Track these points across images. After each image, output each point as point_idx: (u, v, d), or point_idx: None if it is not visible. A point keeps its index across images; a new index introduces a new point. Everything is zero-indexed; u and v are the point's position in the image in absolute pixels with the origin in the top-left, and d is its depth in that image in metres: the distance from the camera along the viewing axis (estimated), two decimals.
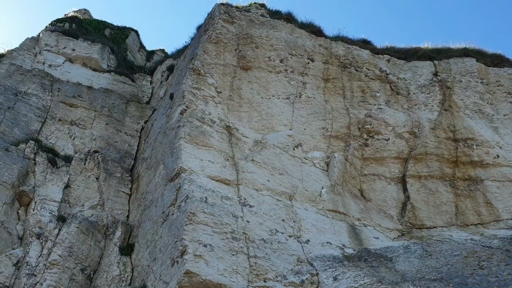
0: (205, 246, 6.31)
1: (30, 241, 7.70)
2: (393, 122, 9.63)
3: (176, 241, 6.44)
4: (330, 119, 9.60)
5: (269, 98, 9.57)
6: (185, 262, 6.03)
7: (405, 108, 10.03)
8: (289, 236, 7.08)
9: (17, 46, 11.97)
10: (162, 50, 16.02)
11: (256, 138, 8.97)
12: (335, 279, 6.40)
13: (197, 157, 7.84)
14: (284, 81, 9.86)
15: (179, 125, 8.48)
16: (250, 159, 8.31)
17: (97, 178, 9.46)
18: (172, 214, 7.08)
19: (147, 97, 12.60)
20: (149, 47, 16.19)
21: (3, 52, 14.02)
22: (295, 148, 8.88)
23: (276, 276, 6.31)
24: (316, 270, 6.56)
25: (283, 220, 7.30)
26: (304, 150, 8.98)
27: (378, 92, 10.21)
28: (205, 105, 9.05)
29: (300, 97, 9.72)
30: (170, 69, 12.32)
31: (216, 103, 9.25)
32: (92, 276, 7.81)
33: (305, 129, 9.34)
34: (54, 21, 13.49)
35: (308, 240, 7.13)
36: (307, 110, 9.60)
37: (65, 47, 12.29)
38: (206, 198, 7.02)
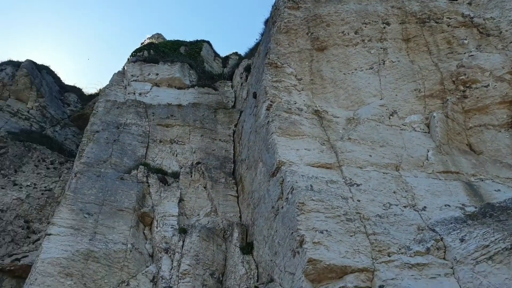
0: (321, 232, 6.34)
1: (160, 257, 8.32)
2: (489, 66, 8.94)
3: (292, 233, 6.55)
4: (421, 79, 9.15)
5: (352, 72, 9.37)
6: (306, 251, 6.11)
7: (500, 48, 9.26)
8: (404, 206, 6.89)
9: (108, 83, 12.94)
10: (236, 53, 16.38)
11: (348, 115, 8.83)
12: (462, 240, 6.11)
13: (292, 148, 7.90)
14: (363, 52, 9.59)
15: (268, 121, 8.61)
16: (346, 138, 8.21)
17: (204, 187, 9.97)
18: (282, 207, 7.21)
19: (232, 102, 12.98)
20: (222, 54, 16.66)
21: (97, 92, 15.24)
22: (391, 117, 8.60)
23: (400, 249, 6.18)
24: (439, 235, 6.31)
25: (394, 192, 7.12)
26: (400, 116, 8.67)
27: (466, 39, 9.53)
28: (288, 95, 9.09)
29: (383, 64, 9.39)
30: (247, 69, 12.56)
31: (299, 91, 9.25)
32: (221, 278, 8.24)
33: (396, 95, 9.01)
34: (134, 52, 14.38)
35: (425, 207, 6.88)
36: (394, 76, 9.25)
37: (149, 74, 13.08)
38: (311, 185, 7.05)
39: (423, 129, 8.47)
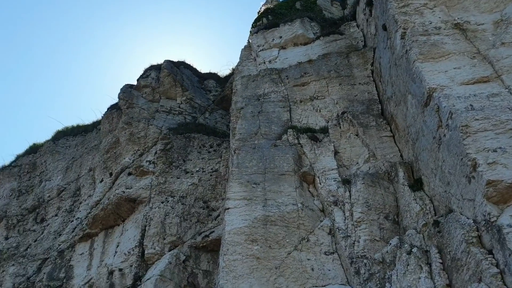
0: (494, 151, 5.90)
1: (331, 210, 8.56)
2: None
3: (462, 159, 6.20)
4: None
5: None
6: (482, 174, 5.75)
7: None
8: None
9: (238, 60, 13.46)
10: None
11: (494, 19, 7.97)
12: None
13: (440, 71, 7.40)
14: None
15: (406, 50, 8.17)
16: (498, 44, 7.39)
17: (356, 135, 9.89)
18: (444, 135, 6.84)
19: (361, 42, 12.51)
20: None
21: (231, 71, 15.97)
22: None
23: None
24: None
25: None
26: None
27: None
28: (421, 17, 8.48)
29: None
30: (369, 3, 11.93)
31: (431, 9, 8.57)
32: (396, 219, 8.17)
33: None
34: (253, 22, 14.68)
35: None
36: None
37: (273, 39, 13.26)
38: (471, 105, 6.55)
39: None
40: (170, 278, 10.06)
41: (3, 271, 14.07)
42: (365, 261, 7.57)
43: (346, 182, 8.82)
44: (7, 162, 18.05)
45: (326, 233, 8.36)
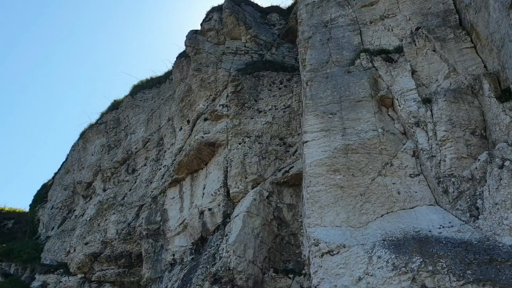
0: None
1: (413, 131, 8.30)
2: None
3: None
4: None
5: None
6: None
7: None
8: None
9: None
10: None
11: None
12: None
13: None
14: None
15: None
16: None
17: (433, 50, 9.31)
18: None
19: None
20: None
21: (293, 1, 15.43)
22: None
23: None
24: None
25: None
26: None
27: None
28: None
29: None
30: None
31: None
32: (484, 134, 7.77)
33: None
34: None
35: None
36: None
37: None
38: None
39: None
40: (257, 213, 10.47)
41: (106, 220, 15.43)
42: (453, 179, 7.36)
43: (427, 101, 8.45)
44: (93, 120, 19.27)
45: (409, 155, 8.18)
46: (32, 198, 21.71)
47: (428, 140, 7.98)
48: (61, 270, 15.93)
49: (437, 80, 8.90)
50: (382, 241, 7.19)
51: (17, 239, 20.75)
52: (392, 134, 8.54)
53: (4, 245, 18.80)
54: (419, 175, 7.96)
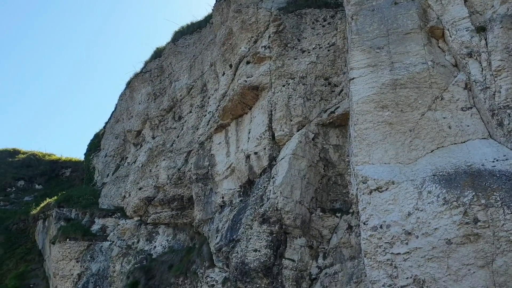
0: None
1: (465, 63, 7.92)
2: None
3: None
4: None
5: None
6: None
7: None
8: None
9: None
10: None
11: None
12: None
13: None
14: None
15: None
16: None
17: None
18: None
19: None
20: None
21: None
22: None
23: None
24: None
25: None
26: None
27: None
28: None
29: None
30: None
31: None
32: None
33: None
34: None
35: None
36: None
37: None
38: None
39: None
40: (303, 155, 10.50)
41: (157, 166, 15.98)
42: (508, 111, 7.06)
43: (481, 29, 7.98)
44: (138, 70, 19.56)
45: (461, 88, 7.85)
46: (86, 147, 22.76)
47: (482, 71, 7.60)
48: (118, 214, 16.84)
49: (492, 6, 8.32)
50: (432, 176, 7.09)
51: (75, 186, 22.00)
52: (443, 67, 8.18)
53: (63, 192, 19.97)
54: (471, 108, 7.66)
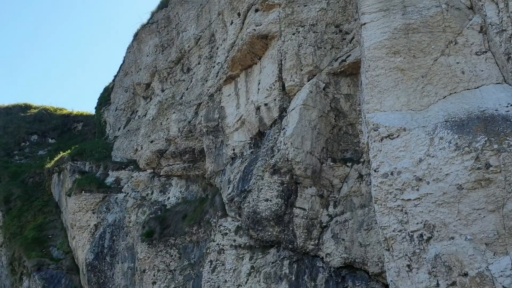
0: None
1: (481, 4, 7.63)
2: None
3: None
4: None
5: None
6: None
7: None
8: None
9: None
10: None
11: None
12: None
13: None
14: None
15: None
16: None
17: None
18: None
19: None
20: None
21: None
22: None
23: None
24: None
25: None
26: None
27: None
28: None
29: None
30: None
31: None
32: None
33: None
34: None
35: None
36: None
37: None
38: None
39: None
40: (313, 105, 10.42)
41: (167, 119, 16.03)
42: None
43: None
44: (145, 21, 19.23)
45: (476, 31, 7.62)
46: (97, 101, 22.82)
47: (499, 12, 7.33)
48: (132, 166, 17.10)
49: None
50: (444, 123, 7.02)
51: (87, 140, 22.26)
52: (457, 10, 7.90)
53: (76, 146, 20.24)
54: (486, 52, 7.46)
